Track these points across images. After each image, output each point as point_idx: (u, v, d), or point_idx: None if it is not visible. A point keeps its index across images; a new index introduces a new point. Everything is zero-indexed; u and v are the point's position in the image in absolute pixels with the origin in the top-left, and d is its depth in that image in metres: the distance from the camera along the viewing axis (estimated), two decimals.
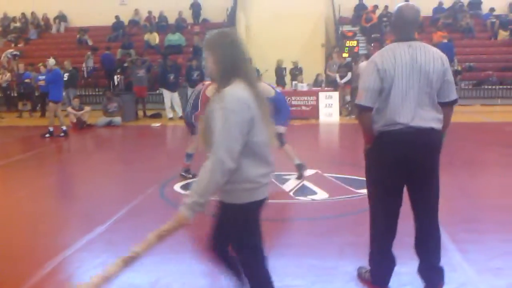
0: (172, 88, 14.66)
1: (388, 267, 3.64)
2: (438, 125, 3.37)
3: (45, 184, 7.41)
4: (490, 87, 16.85)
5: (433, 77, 3.28)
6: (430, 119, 3.32)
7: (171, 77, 14.61)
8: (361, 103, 3.37)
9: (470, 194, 6.27)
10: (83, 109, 13.28)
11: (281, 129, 6.67)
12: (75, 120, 12.99)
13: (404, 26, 3.35)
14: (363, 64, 14.12)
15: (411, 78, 3.26)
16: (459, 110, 14.40)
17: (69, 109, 13.24)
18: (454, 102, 3.44)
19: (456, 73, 14.83)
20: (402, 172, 3.37)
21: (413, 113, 3.27)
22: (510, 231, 4.94)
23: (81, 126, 12.95)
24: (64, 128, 11.53)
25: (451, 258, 4.19)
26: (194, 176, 6.55)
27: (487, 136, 11.06)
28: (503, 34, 18.81)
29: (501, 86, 16.88)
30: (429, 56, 3.29)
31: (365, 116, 3.40)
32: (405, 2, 3.61)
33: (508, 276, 3.93)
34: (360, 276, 3.82)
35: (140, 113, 15.31)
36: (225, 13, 20.59)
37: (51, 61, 11.66)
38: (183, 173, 7.05)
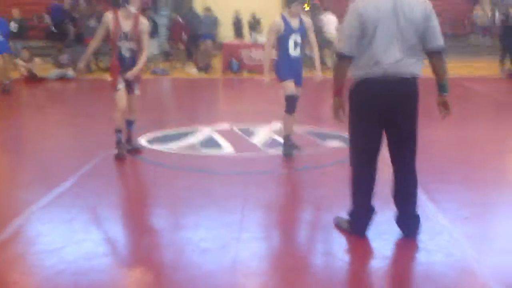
0: None
1: (368, 217, 3.68)
2: (418, 72, 3.41)
3: (5, 139, 7.05)
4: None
5: (416, 24, 3.28)
6: (411, 65, 3.35)
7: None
8: (342, 51, 3.36)
9: (435, 146, 6.40)
10: (33, 60, 12.61)
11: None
12: (26, 73, 12.35)
13: None
14: (322, 17, 14.05)
15: (394, 24, 3.26)
16: None
17: (19, 61, 12.54)
18: (440, 48, 3.44)
19: None
20: (382, 120, 3.44)
21: (396, 59, 3.29)
22: (474, 182, 5.09)
23: (32, 78, 12.33)
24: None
25: (425, 208, 4.27)
26: (133, 148, 5.89)
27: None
28: None
29: (453, 41, 17.16)
30: (412, 2, 3.28)
31: (344, 65, 3.40)
32: None
33: (479, 224, 4.06)
34: (338, 225, 3.84)
35: (93, 66, 14.70)
36: None
37: None
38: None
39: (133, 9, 5.34)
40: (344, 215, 3.77)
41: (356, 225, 3.70)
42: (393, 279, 3.26)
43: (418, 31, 3.29)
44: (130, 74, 5.46)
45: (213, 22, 14.97)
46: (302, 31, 5.50)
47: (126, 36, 5.40)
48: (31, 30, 15.84)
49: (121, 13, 5.36)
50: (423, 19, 3.29)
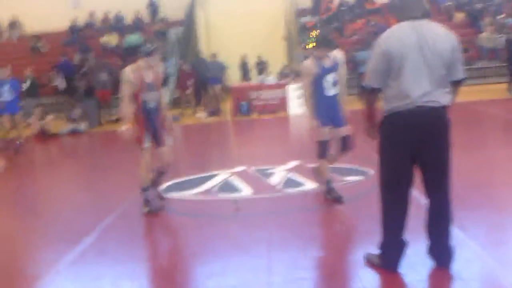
0: None
1: (400, 250, 3.60)
2: (447, 102, 3.41)
3: (21, 198, 7.09)
4: None
5: (443, 55, 3.29)
6: (441, 97, 3.35)
7: None
8: (369, 85, 3.43)
9: (454, 171, 6.32)
10: (45, 118, 12.80)
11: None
12: (38, 131, 12.52)
13: (410, 5, 3.34)
14: (335, 52, 14.18)
15: (420, 57, 3.26)
16: None
17: (32, 119, 12.74)
18: (462, 80, 3.46)
19: None
20: (414, 152, 3.41)
21: (425, 91, 3.28)
22: (499, 205, 5.02)
23: (44, 135, 12.49)
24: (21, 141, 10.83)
25: (454, 235, 4.19)
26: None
27: (455, 115, 11.24)
28: (458, 16, 19.22)
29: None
30: (438, 34, 3.32)
31: (372, 97, 3.49)
32: None
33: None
34: (370, 261, 3.76)
35: (103, 119, 14.86)
36: (183, 10, 20.29)
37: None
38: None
39: (154, 61, 5.27)
40: (374, 250, 3.70)
41: (388, 260, 3.62)
42: None
43: (445, 62, 3.30)
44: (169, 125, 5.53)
45: (220, 67, 15.21)
46: (336, 68, 5.26)
47: (150, 87, 5.27)
48: (42, 87, 16.16)
49: (141, 64, 5.25)
50: (451, 51, 3.31)
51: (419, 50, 3.25)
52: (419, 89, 3.27)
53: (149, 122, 5.30)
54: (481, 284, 3.44)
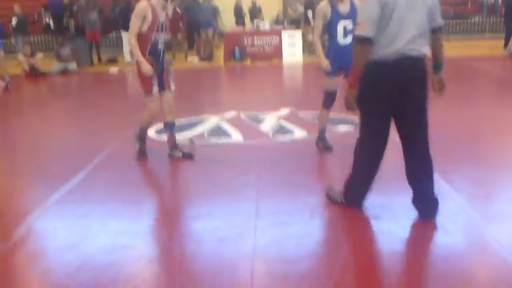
0: None
1: (365, 193, 3.80)
2: (428, 52, 3.45)
3: (9, 137, 7.04)
4: (446, 21, 16.98)
5: (427, 5, 3.35)
6: (422, 46, 3.38)
7: None
8: (364, 34, 3.33)
9: (443, 127, 6.34)
10: (35, 55, 12.57)
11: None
12: (28, 68, 12.31)
13: None
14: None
15: (409, 7, 3.30)
16: None
17: (20, 56, 12.50)
18: (441, 25, 3.52)
19: None
20: (395, 102, 3.44)
21: (410, 39, 3.32)
22: (486, 161, 5.06)
23: (35, 73, 12.29)
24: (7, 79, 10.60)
25: (439, 188, 4.23)
26: (184, 155, 5.34)
27: (449, 70, 11.18)
28: None
29: (458, 20, 17.06)
30: None
31: (366, 48, 3.35)
32: None
33: (496, 203, 4.02)
34: (330, 197, 3.99)
35: (95, 58, 14.65)
36: None
37: None
38: (169, 152, 5.39)
39: (172, 4, 4.98)
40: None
41: (353, 198, 3.83)
42: (412, 261, 3.24)
43: (428, 9, 3.36)
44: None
45: (214, 11, 14.87)
46: (353, 16, 4.60)
47: (162, 27, 4.92)
48: (31, 25, 15.80)
49: (155, 2, 4.84)
50: (435, 4, 3.38)
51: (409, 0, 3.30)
52: (405, 34, 3.31)
53: (157, 64, 5.00)
54: (465, 236, 3.50)
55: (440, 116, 6.87)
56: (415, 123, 3.54)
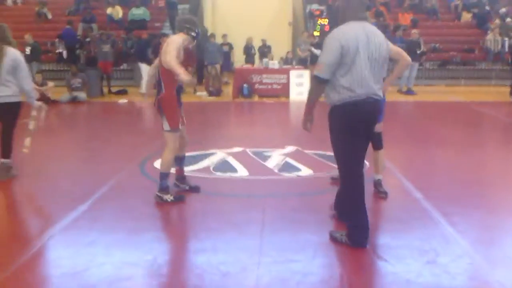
0: (149, 62, 14.28)
1: (366, 228, 3.93)
2: (382, 94, 3.96)
3: (17, 163, 7.10)
4: (454, 67, 17.20)
5: (384, 55, 3.83)
6: (379, 89, 3.84)
7: (150, 51, 14.35)
8: (321, 76, 3.71)
9: (449, 170, 6.39)
10: (46, 84, 12.78)
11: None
12: (38, 96, 12.46)
13: (359, 7, 3.80)
14: None
15: (369, 55, 3.70)
16: (425, 90, 14.81)
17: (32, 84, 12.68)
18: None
19: (421, 54, 15.03)
20: (362, 134, 3.86)
21: (371, 85, 3.74)
22: (491, 205, 5.08)
23: (45, 102, 12.42)
24: None
25: (443, 231, 4.27)
26: (191, 188, 5.37)
27: (456, 114, 11.31)
28: (466, 16, 19.17)
29: (464, 67, 17.25)
30: (380, 37, 3.80)
31: (321, 88, 3.80)
32: None
33: (500, 248, 4.02)
34: (337, 240, 4.03)
35: (105, 89, 14.87)
36: None
37: None
38: (177, 182, 5.39)
39: (191, 43, 5.04)
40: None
41: (358, 237, 3.92)
42: None
43: (383, 60, 3.83)
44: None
45: (218, 48, 15.35)
46: None
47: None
48: (44, 54, 16.11)
49: (185, 40, 4.91)
50: (386, 50, 3.87)
51: (368, 47, 3.69)
52: (368, 81, 3.71)
53: (179, 100, 5.06)
54: (468, 280, 3.50)
55: (447, 159, 6.93)
56: (366, 148, 4.06)
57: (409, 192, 5.32)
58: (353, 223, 3.96)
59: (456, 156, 7.16)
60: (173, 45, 4.78)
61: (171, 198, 5.00)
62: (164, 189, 5.00)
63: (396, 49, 4.86)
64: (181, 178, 5.40)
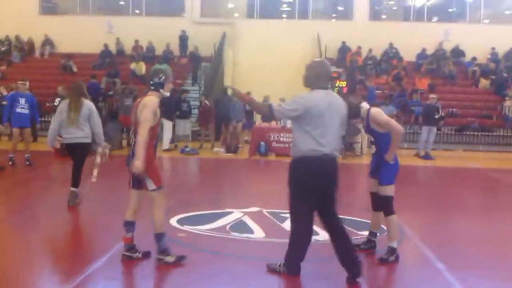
0: (172, 118, 14.57)
1: (302, 260, 4.60)
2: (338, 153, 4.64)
3: (32, 214, 7.11)
4: (472, 133, 17.17)
5: (342, 116, 4.49)
6: (336, 150, 4.51)
7: (185, 106, 14.81)
8: (279, 116, 4.80)
9: (468, 238, 6.25)
10: None
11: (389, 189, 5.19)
12: (58, 146, 12.64)
13: (324, 78, 4.47)
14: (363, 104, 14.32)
15: (331, 117, 4.36)
16: (443, 155, 14.73)
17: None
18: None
19: (440, 118, 15.07)
20: (320, 191, 4.41)
21: (332, 144, 4.39)
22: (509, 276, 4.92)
23: (64, 153, 12.60)
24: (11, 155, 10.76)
25: None
26: (144, 254, 4.99)
27: (475, 181, 11.18)
28: (484, 83, 19.33)
29: (482, 133, 17.22)
30: (340, 101, 4.51)
31: (271, 115, 4.63)
32: (322, 59, 4.83)
33: None
34: (275, 270, 4.64)
35: (124, 142, 15.04)
36: (213, 48, 20.70)
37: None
38: (125, 253, 4.93)
39: (167, 94, 4.93)
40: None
41: (294, 268, 4.60)
42: None
43: (342, 122, 4.50)
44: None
45: (243, 107, 15.51)
46: (369, 129, 5.20)
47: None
48: None
49: (158, 98, 4.81)
50: (345, 114, 4.52)
51: (330, 111, 4.35)
52: (329, 140, 4.34)
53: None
54: None
55: (468, 228, 6.79)
56: (333, 203, 4.53)
57: (431, 262, 5.18)
58: (293, 254, 4.57)
59: (476, 224, 7.03)
60: (149, 112, 4.60)
61: (173, 259, 4.78)
62: (164, 250, 4.80)
63: (386, 120, 5.07)
64: (130, 247, 4.93)
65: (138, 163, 4.52)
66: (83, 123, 7.02)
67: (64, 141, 7.29)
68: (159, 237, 4.77)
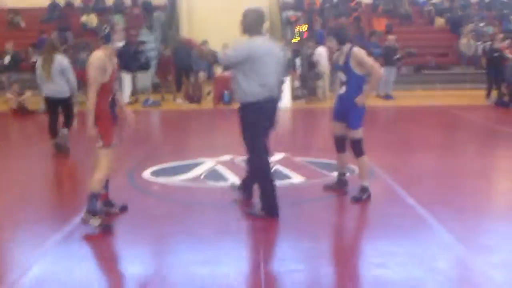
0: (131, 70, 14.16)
1: (276, 200, 4.75)
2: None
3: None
4: (429, 72, 17.49)
5: (279, 61, 4.76)
6: (279, 92, 4.86)
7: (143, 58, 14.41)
8: (225, 62, 4.81)
9: (436, 175, 6.49)
10: (24, 94, 12.53)
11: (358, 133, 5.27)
12: (15, 106, 12.25)
13: (261, 24, 4.67)
14: (320, 49, 14.31)
15: (272, 62, 4.63)
16: (402, 95, 15.01)
17: (9, 94, 12.45)
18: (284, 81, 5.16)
19: (398, 59, 15.24)
20: (268, 124, 4.80)
21: (273, 87, 4.66)
22: (483, 209, 5.17)
23: (22, 112, 12.22)
24: None
25: (440, 237, 4.32)
26: (121, 208, 4.99)
27: (437, 119, 11.50)
28: (439, 21, 19.54)
29: (439, 71, 17.56)
30: (275, 46, 4.80)
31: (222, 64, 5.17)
32: (257, 6, 4.79)
33: (499, 253, 4.07)
34: (254, 214, 4.78)
35: (83, 97, 14.63)
36: None
37: None
38: (103, 207, 4.83)
39: (118, 44, 4.61)
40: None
41: (272, 209, 4.71)
42: None
43: (280, 66, 4.77)
44: (131, 120, 4.87)
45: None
46: (347, 68, 5.11)
47: (118, 76, 4.65)
48: (23, 62, 15.82)
49: (106, 51, 4.48)
50: (282, 58, 4.84)
51: (269, 56, 4.60)
52: (271, 84, 4.61)
53: (115, 115, 4.67)
54: (468, 286, 3.55)
55: (434, 164, 7.04)
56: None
57: (402, 198, 5.37)
58: (266, 193, 4.73)
59: (442, 160, 7.28)
60: (92, 70, 4.36)
61: (98, 222, 4.43)
62: (91, 211, 4.46)
63: (370, 62, 5.06)
64: (108, 202, 4.94)
65: (88, 129, 4.37)
66: (58, 78, 7.34)
67: (45, 95, 7.72)
68: (91, 196, 4.48)
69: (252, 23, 4.66)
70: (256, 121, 4.68)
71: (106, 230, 4.46)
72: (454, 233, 4.35)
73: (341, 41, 5.15)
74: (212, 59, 4.80)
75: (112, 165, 4.72)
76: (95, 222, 4.42)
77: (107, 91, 4.47)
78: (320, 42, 14.69)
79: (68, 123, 7.82)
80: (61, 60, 7.42)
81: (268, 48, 4.66)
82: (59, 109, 7.72)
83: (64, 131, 7.77)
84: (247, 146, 4.81)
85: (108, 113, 4.52)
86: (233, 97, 4.97)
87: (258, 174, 4.87)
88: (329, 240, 4.51)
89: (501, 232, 4.55)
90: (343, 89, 5.24)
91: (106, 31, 4.52)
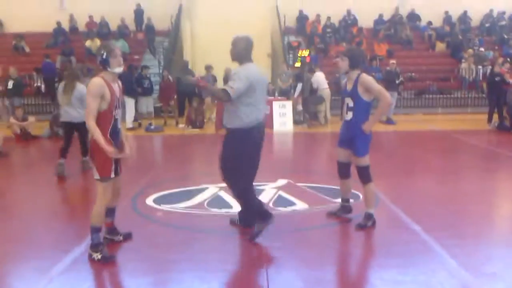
0: (134, 95, 14.27)
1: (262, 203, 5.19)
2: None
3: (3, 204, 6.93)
4: (430, 96, 17.59)
5: (266, 87, 5.08)
6: (265, 117, 5.03)
7: (146, 82, 14.52)
8: (234, 97, 4.61)
9: (439, 200, 6.47)
10: (27, 119, 12.60)
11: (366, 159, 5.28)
12: (19, 131, 12.31)
13: (251, 51, 4.86)
14: (319, 73, 14.45)
15: (263, 88, 4.91)
16: (404, 119, 15.06)
17: (12, 119, 12.52)
18: None
19: (400, 83, 15.35)
20: (258, 150, 4.96)
21: (262, 112, 4.88)
22: (486, 234, 5.15)
23: (25, 137, 12.28)
24: None
25: (445, 264, 4.30)
26: (125, 236, 5.00)
27: (439, 143, 11.51)
28: (440, 46, 19.73)
29: (441, 95, 17.66)
30: (262, 73, 4.97)
31: (225, 101, 4.80)
32: (245, 34, 4.90)
33: (504, 280, 4.04)
34: (256, 235, 4.85)
35: None
36: (170, 20, 20.31)
37: None
38: (107, 236, 4.90)
39: (118, 70, 4.42)
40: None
41: (266, 214, 4.95)
42: None
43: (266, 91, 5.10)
44: (129, 152, 4.61)
45: (209, 80, 15.25)
46: (354, 94, 5.10)
47: (119, 103, 4.45)
48: (27, 87, 15.99)
49: (107, 77, 4.37)
50: (267, 84, 5.33)
51: (261, 82, 4.82)
52: (263, 108, 4.88)
53: (116, 146, 4.43)
54: None
55: (437, 189, 7.02)
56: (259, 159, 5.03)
57: (406, 224, 5.35)
58: (253, 207, 4.94)
59: (445, 185, 7.27)
60: (89, 97, 4.25)
61: (99, 256, 4.40)
62: (93, 245, 4.44)
63: (379, 88, 5.08)
64: (112, 230, 4.93)
65: (105, 149, 4.24)
66: (77, 104, 7.90)
67: (61, 119, 8.32)
68: (91, 231, 4.43)
69: (242, 51, 4.81)
70: (249, 146, 4.80)
71: (109, 261, 4.41)
72: (458, 259, 4.33)
73: (353, 65, 5.15)
74: (225, 98, 4.63)
75: (116, 194, 4.71)
76: (96, 256, 4.41)
77: (106, 120, 4.31)
78: (314, 67, 14.83)
79: (84, 150, 8.30)
80: (82, 89, 7.86)
81: (260, 74, 4.85)
82: (74, 133, 8.20)
83: (86, 158, 8.22)
84: (233, 173, 4.89)
85: (109, 143, 4.33)
86: (224, 123, 4.90)
87: (242, 194, 4.99)
88: (333, 268, 4.48)
89: (504, 258, 4.52)
90: (349, 115, 5.24)
91: (104, 56, 4.36)
